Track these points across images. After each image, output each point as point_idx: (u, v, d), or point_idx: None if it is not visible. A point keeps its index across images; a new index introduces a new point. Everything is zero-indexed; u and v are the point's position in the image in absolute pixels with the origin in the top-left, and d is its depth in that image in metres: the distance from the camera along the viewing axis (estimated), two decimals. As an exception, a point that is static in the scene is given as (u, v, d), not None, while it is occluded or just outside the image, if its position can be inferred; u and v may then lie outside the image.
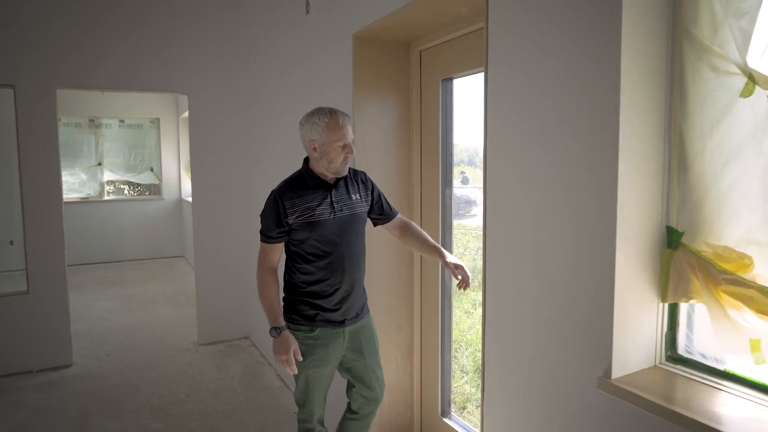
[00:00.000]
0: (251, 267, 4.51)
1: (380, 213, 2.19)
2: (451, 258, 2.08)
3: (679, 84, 1.30)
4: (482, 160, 1.74)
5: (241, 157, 4.53)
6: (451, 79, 2.49)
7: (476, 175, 4.02)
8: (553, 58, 1.42)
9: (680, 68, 1.29)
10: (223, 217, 4.55)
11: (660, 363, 1.39)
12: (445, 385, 2.66)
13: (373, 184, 2.19)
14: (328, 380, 2.16)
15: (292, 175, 2.08)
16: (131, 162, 8.14)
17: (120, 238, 7.94)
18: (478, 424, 1.84)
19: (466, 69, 2.34)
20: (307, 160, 2.08)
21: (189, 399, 3.47)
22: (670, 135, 1.33)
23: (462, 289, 1.99)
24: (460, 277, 1.99)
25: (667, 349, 1.39)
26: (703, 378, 1.30)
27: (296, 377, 2.10)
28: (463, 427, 2.55)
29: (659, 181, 1.33)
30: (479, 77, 2.43)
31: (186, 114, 7.46)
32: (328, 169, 1.97)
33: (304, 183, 2.01)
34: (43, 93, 3.82)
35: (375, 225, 2.23)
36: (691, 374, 1.33)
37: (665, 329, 1.38)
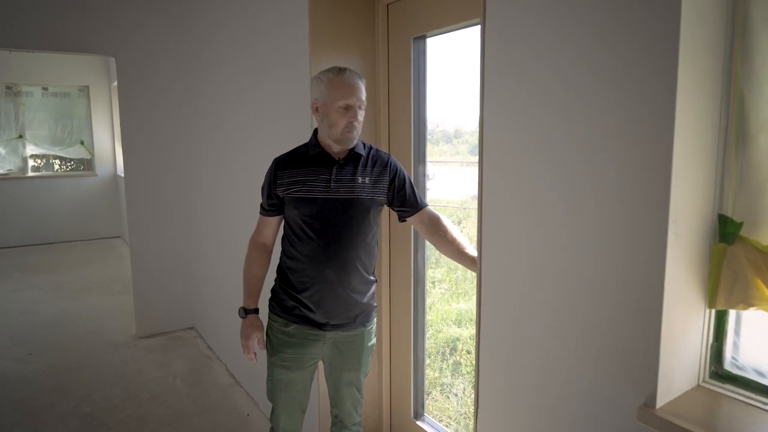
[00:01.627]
0: (198, 250, 4.10)
1: (402, 203, 1.80)
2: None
3: (741, 32, 1.01)
4: (457, 135, 1.41)
5: (185, 128, 4.03)
6: (424, 38, 2.14)
7: (444, 151, 3.74)
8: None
9: (744, 10, 1.00)
10: (164, 195, 4.07)
11: (703, 381, 1.14)
12: (418, 385, 2.38)
13: (398, 169, 1.80)
14: (300, 389, 1.84)
15: (298, 146, 1.80)
16: (58, 134, 7.35)
17: (47, 218, 7.20)
18: (448, 416, 1.55)
19: (443, 25, 2.00)
20: (315, 130, 1.78)
21: (125, 404, 3.06)
22: (728, 99, 1.04)
23: None
24: None
25: (711, 364, 1.14)
26: (758, 400, 1.06)
27: (267, 374, 1.86)
28: (438, 430, 2.30)
29: (711, 158, 1.05)
30: (457, 36, 2.11)
31: (118, 81, 6.77)
32: (330, 136, 1.66)
33: (306, 153, 1.74)
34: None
35: (400, 219, 1.87)
36: (743, 395, 1.08)
37: (710, 340, 1.12)
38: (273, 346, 1.80)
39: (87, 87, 7.36)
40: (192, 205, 4.11)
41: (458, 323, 4.29)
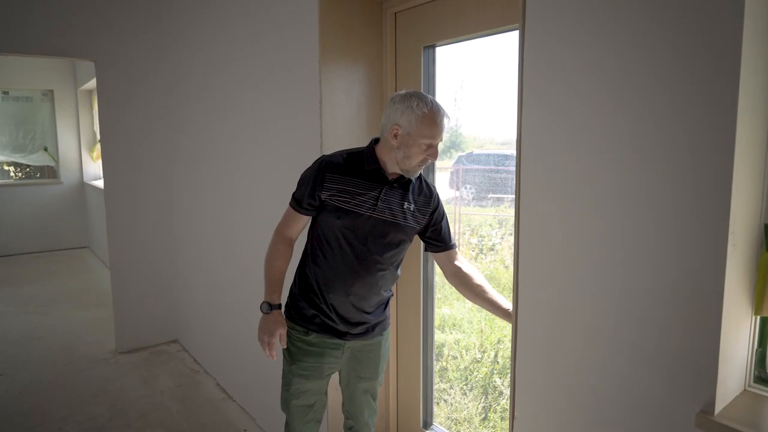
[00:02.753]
0: (181, 259, 3.98)
1: (435, 237, 1.78)
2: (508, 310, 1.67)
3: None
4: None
5: (167, 135, 3.90)
6: (434, 47, 2.15)
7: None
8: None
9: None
10: (145, 204, 3.92)
11: (749, 386, 1.17)
12: (427, 393, 2.37)
13: (439, 203, 1.79)
14: (318, 399, 1.82)
15: (355, 148, 1.73)
16: (20, 140, 7.01)
17: (8, 229, 6.85)
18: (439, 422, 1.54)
19: (455, 35, 2.00)
20: (374, 141, 1.70)
21: (112, 424, 2.92)
22: (776, 111, 1.07)
23: None
24: None
25: (755, 369, 1.17)
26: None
27: (282, 383, 1.81)
28: (449, 440, 2.29)
29: (760, 168, 1.08)
30: (468, 46, 2.12)
31: (87, 85, 6.54)
32: (400, 163, 1.61)
33: (361, 164, 1.66)
34: None
35: (426, 250, 1.85)
36: (790, 398, 1.11)
37: (756, 346, 1.16)
38: (292, 355, 1.76)
39: (51, 91, 7.05)
40: (175, 213, 3.99)
41: (441, 328, 4.31)
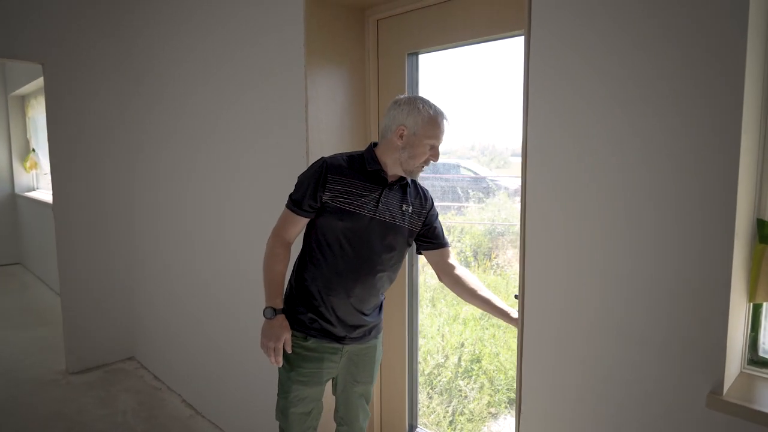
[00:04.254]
0: (136, 273, 3.79)
1: (429, 237, 1.82)
2: (507, 311, 1.72)
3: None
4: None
5: (125, 144, 3.73)
6: (417, 54, 2.19)
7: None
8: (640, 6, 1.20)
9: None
10: (97, 215, 3.72)
11: (743, 368, 1.27)
12: (412, 396, 2.39)
13: (433, 204, 1.84)
14: (316, 406, 1.80)
15: (354, 152, 1.74)
16: (-60, 149, 6.47)
17: (-72, 245, 6.28)
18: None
19: (439, 42, 2.06)
20: (373, 144, 1.73)
21: (74, 448, 2.75)
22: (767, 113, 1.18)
23: None
24: None
25: (748, 352, 1.27)
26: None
27: (278, 391, 1.78)
28: (435, 441, 2.31)
29: (754, 166, 1.19)
30: (451, 54, 2.18)
31: (20, 91, 6.14)
32: (404, 164, 1.64)
33: (362, 166, 1.68)
34: None
35: (418, 251, 1.86)
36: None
37: (749, 331, 1.26)
38: (290, 361, 1.73)
39: (-23, 97, 6.57)
40: (129, 225, 3.81)
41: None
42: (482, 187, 4.28)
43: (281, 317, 1.69)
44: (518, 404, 1.53)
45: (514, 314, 1.68)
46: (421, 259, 2.28)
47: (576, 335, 1.38)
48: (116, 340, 3.85)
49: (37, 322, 4.69)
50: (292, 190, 1.72)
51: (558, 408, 1.44)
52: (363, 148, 1.76)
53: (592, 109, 1.30)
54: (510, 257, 4.41)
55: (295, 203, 1.69)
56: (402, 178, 1.72)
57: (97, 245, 3.73)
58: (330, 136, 2.18)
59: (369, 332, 1.80)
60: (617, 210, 1.27)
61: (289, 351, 1.70)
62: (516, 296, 1.80)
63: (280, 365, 1.70)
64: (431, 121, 1.60)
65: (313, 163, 1.71)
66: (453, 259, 1.86)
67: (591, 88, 1.30)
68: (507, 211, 4.22)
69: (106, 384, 3.50)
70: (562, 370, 1.42)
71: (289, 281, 1.81)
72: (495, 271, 4.25)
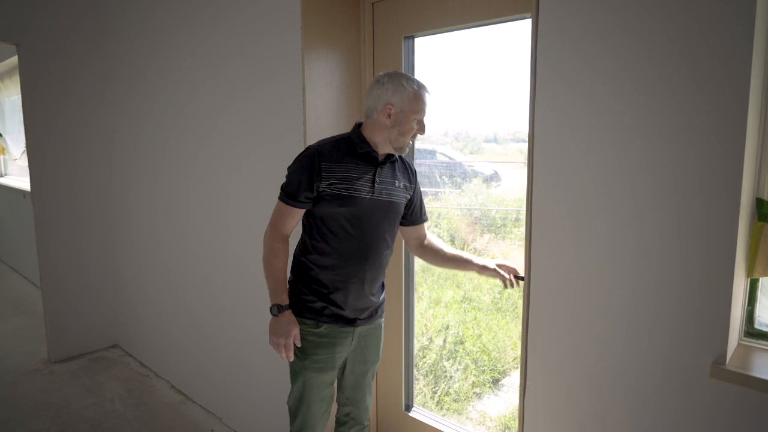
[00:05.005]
0: (120, 260, 3.72)
1: (412, 211, 1.86)
2: (484, 261, 1.80)
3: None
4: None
5: (106, 126, 3.63)
6: (413, 38, 2.20)
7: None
8: None
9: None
10: (79, 200, 3.63)
11: (740, 340, 1.34)
12: (409, 377, 2.43)
13: (416, 178, 1.87)
14: (328, 391, 1.81)
15: (340, 135, 1.73)
16: None
17: None
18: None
19: (436, 26, 2.06)
20: (358, 125, 1.73)
21: (64, 436, 2.71)
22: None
23: (514, 286, 1.76)
24: (508, 275, 1.75)
25: (745, 324, 1.34)
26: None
27: (292, 380, 1.78)
28: (431, 419, 2.36)
29: (754, 149, 1.24)
30: (447, 38, 2.19)
31: (-14, 72, 5.88)
32: (394, 141, 1.66)
33: (352, 149, 1.69)
34: None
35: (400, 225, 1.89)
36: (771, 347, 1.29)
37: (746, 305, 1.33)
38: (303, 351, 1.73)
39: (-63, 78, 6.26)
40: (111, 209, 3.73)
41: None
42: (458, 173, 4.31)
43: (288, 312, 1.69)
44: (523, 382, 1.58)
45: (491, 264, 1.77)
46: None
47: (582, 314, 1.44)
48: (99, 328, 3.79)
49: (15, 312, 4.57)
50: (284, 182, 1.69)
51: (563, 384, 1.50)
52: (347, 133, 1.74)
53: (603, 89, 1.33)
54: (487, 241, 4.49)
55: (289, 196, 1.67)
56: (391, 155, 1.74)
57: (76, 232, 3.65)
58: (327, 121, 2.18)
59: (376, 311, 1.83)
60: (624, 190, 1.32)
61: (299, 345, 1.71)
62: (521, 278, 1.86)
63: (291, 360, 1.71)
64: (416, 96, 1.63)
65: (301, 153, 1.69)
66: (426, 233, 1.93)
67: (603, 67, 1.33)
68: (483, 196, 4.28)
69: (91, 372, 3.45)
70: (570, 347, 1.47)
71: (292, 272, 1.80)
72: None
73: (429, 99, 1.68)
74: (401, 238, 2.29)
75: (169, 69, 2.93)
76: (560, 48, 1.39)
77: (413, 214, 1.87)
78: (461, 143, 4.14)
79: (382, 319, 1.89)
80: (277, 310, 1.68)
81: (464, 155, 4.22)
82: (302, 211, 1.71)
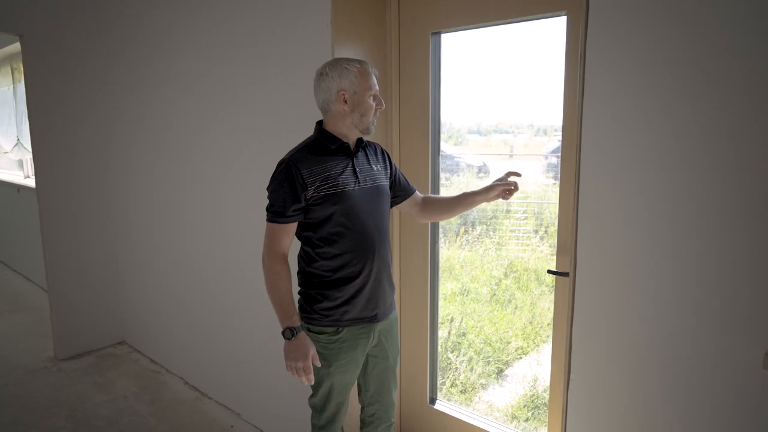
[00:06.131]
0: (125, 255, 3.67)
1: (398, 188, 1.87)
2: (484, 188, 1.83)
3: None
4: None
5: (110, 121, 3.57)
6: (439, 33, 2.20)
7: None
8: None
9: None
10: (84, 196, 3.58)
11: None
12: (433, 369, 2.45)
13: (389, 157, 1.87)
14: (353, 384, 1.83)
15: (306, 140, 1.71)
16: None
17: None
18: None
19: (464, 23, 2.07)
20: (320, 123, 1.72)
21: (82, 434, 2.69)
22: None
23: (506, 198, 1.81)
24: (510, 187, 1.80)
25: None
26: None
27: (316, 383, 1.76)
28: (458, 411, 2.39)
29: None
30: (476, 35, 2.19)
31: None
32: (359, 124, 1.66)
33: (324, 147, 1.67)
34: None
35: (392, 205, 1.87)
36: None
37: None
38: (326, 359, 1.71)
39: None
40: (117, 206, 3.68)
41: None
42: (448, 165, 4.35)
43: (302, 334, 1.65)
44: (567, 372, 1.61)
45: (493, 187, 1.81)
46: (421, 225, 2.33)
47: (631, 307, 1.47)
48: (106, 325, 3.75)
49: (14, 309, 4.50)
50: (267, 204, 1.65)
51: (610, 376, 1.54)
52: (312, 135, 1.72)
53: (665, 80, 1.36)
54: (479, 233, 4.54)
55: (277, 214, 1.63)
56: (360, 141, 1.74)
57: (83, 229, 3.59)
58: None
59: (392, 304, 1.83)
60: (689, 190, 1.35)
61: (318, 364, 1.67)
62: (550, 271, 1.90)
63: (312, 383, 1.67)
64: (363, 72, 1.63)
65: (276, 170, 1.65)
66: (419, 195, 1.95)
67: (661, 60, 1.36)
68: (474, 188, 4.34)
69: (101, 369, 3.42)
70: (617, 340, 1.51)
71: (300, 284, 1.77)
72: (464, 248, 4.38)
73: (374, 71, 1.68)
74: (413, 230, 2.30)
75: (173, 58, 2.89)
76: (612, 45, 1.42)
77: (401, 188, 1.88)
78: (446, 134, 4.18)
79: (395, 311, 1.89)
80: (290, 333, 1.63)
81: (450, 147, 4.24)
82: (294, 226, 1.68)
